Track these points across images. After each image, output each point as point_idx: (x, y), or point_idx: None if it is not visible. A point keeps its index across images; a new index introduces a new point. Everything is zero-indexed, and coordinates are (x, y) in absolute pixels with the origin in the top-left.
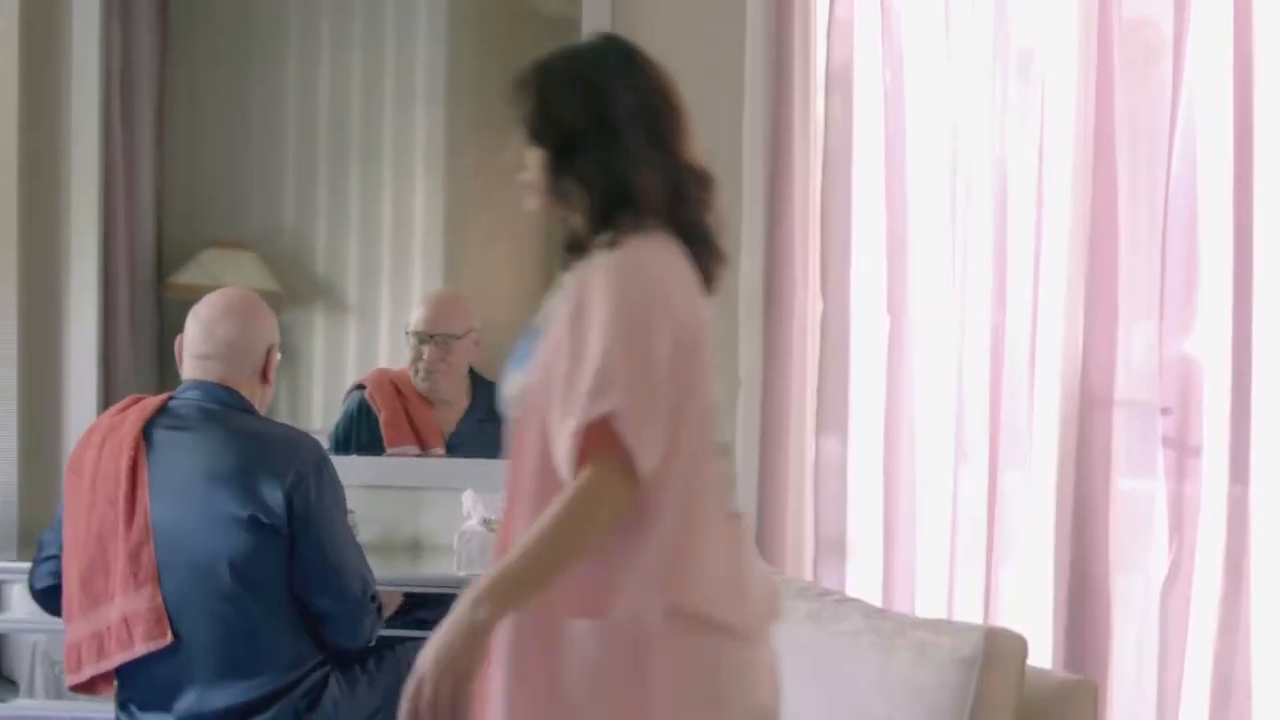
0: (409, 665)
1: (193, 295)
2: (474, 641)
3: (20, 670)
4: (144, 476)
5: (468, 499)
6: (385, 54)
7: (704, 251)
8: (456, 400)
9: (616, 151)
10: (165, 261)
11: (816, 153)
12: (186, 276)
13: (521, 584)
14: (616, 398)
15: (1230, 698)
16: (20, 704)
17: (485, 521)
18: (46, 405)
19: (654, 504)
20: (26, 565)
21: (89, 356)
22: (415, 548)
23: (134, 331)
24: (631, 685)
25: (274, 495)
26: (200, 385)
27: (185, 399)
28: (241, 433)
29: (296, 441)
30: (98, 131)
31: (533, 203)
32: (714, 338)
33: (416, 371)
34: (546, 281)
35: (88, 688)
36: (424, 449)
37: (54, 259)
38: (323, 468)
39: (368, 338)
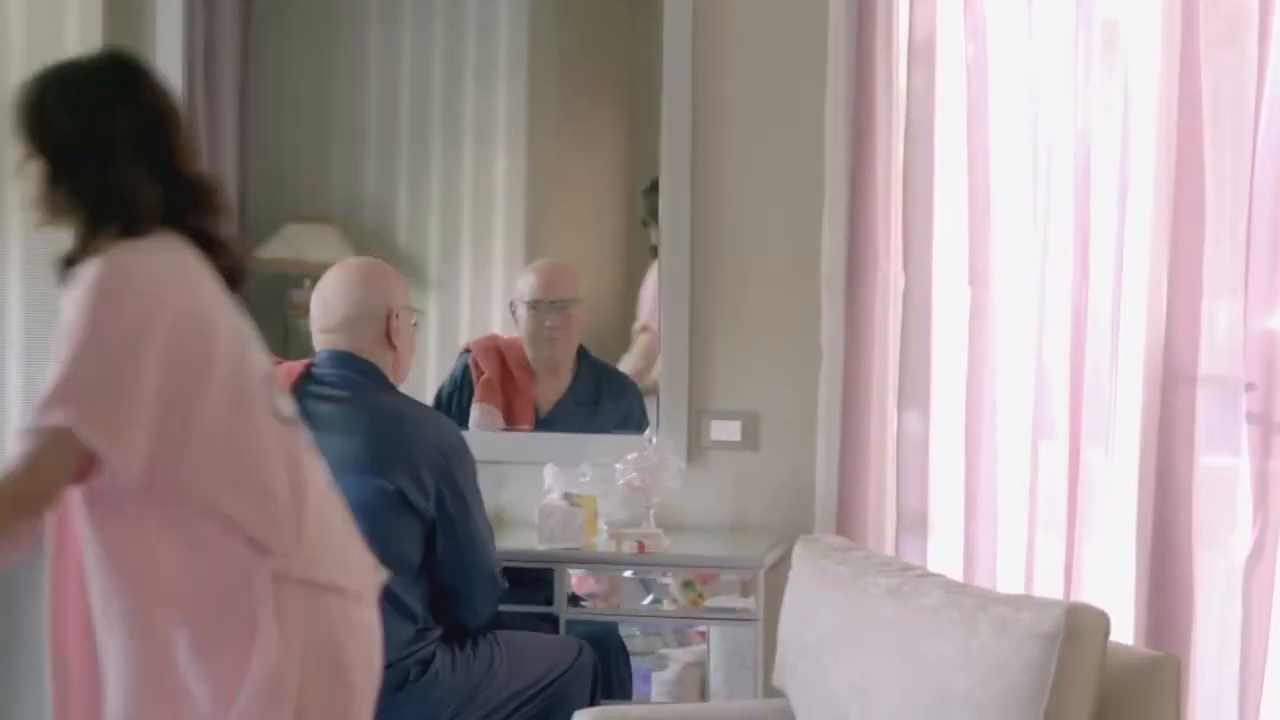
0: (502, 653)
1: (275, 269)
2: None
3: None
4: None
5: (549, 473)
6: (467, 27)
7: (220, 254)
8: (563, 372)
9: (111, 167)
10: (247, 236)
11: (899, 126)
12: (269, 251)
13: None
14: (70, 409)
15: None
16: None
17: (567, 496)
18: None
19: (177, 489)
20: None
21: None
22: (497, 522)
23: None
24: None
25: (422, 480)
26: (335, 355)
27: (325, 369)
28: (387, 413)
29: (440, 421)
30: (181, 107)
31: (34, 216)
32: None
33: (537, 339)
34: (629, 253)
35: None
36: (511, 421)
37: None
38: (465, 454)
39: (449, 310)
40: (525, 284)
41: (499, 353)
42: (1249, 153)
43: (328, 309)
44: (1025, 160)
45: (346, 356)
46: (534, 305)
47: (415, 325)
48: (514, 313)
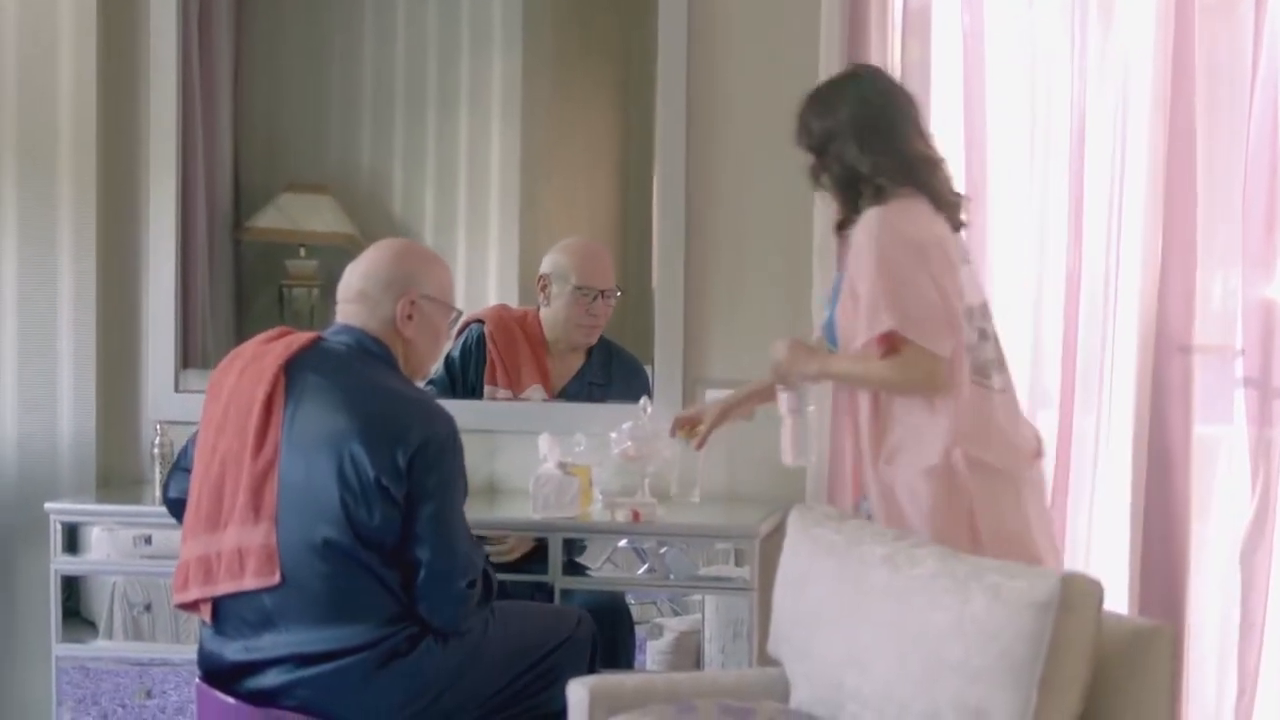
0: (498, 625)
1: (270, 239)
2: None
3: (99, 612)
4: (279, 414)
5: (544, 442)
6: None
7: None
8: (580, 351)
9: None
10: (243, 205)
11: None
12: (264, 220)
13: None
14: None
15: None
16: (99, 645)
17: (561, 465)
18: (125, 351)
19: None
20: (107, 508)
21: (167, 300)
22: (491, 491)
23: (212, 275)
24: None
25: (399, 458)
26: (349, 329)
27: (334, 341)
28: (380, 389)
29: (433, 411)
30: (175, 76)
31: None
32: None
33: (577, 323)
34: (621, 227)
35: (191, 606)
36: (517, 396)
37: (132, 203)
38: (451, 448)
39: None
40: (569, 265)
41: (515, 326)
42: (1245, 122)
43: (348, 281)
44: (1021, 130)
45: (356, 331)
46: (583, 291)
47: (450, 325)
48: (544, 288)
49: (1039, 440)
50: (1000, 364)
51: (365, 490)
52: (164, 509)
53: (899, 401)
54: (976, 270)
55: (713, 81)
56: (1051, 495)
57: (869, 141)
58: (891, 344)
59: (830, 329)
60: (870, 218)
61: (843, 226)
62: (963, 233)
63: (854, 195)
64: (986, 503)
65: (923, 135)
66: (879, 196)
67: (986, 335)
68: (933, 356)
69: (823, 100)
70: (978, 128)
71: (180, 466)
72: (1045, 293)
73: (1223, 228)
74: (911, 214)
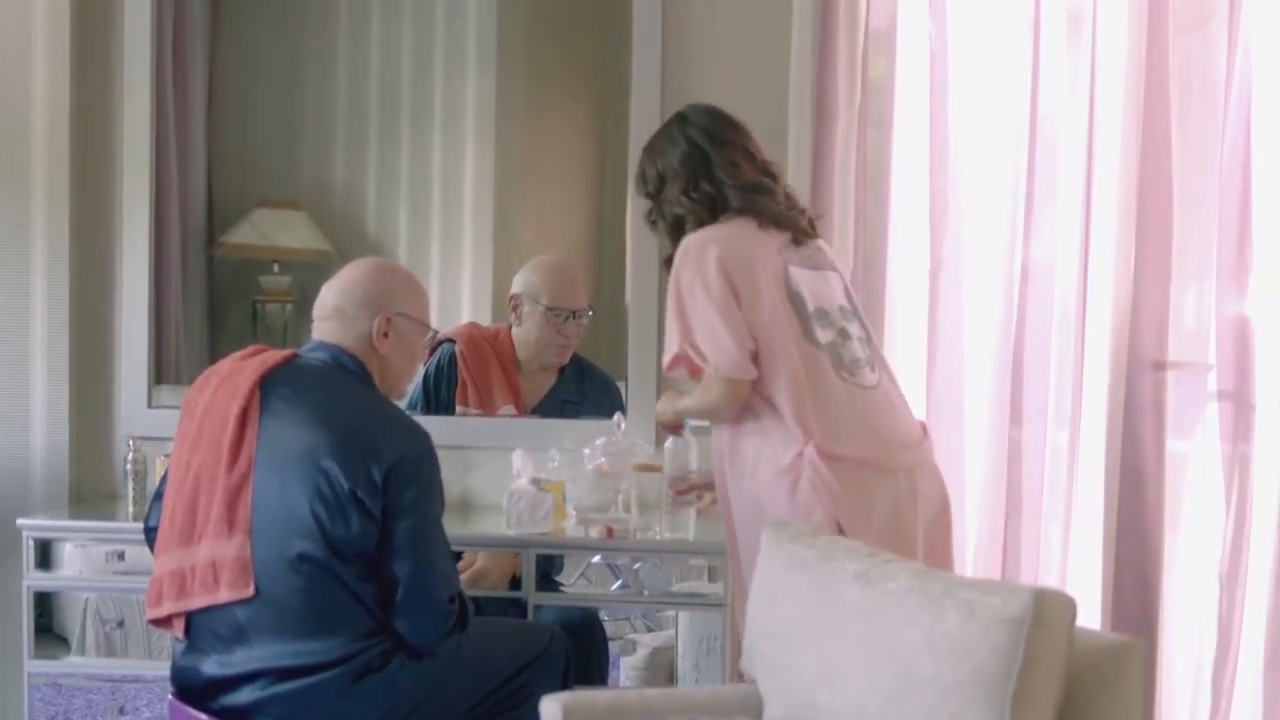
0: (470, 642)
1: (243, 255)
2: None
3: (72, 628)
4: (253, 429)
5: (518, 458)
6: (436, 17)
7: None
8: (552, 370)
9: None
10: (216, 221)
11: (866, 112)
12: (238, 236)
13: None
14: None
15: None
16: (72, 661)
17: (535, 481)
18: (98, 366)
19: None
20: (79, 524)
21: (140, 316)
22: (465, 507)
23: (185, 291)
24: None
25: (375, 472)
26: (325, 346)
27: (310, 357)
28: (355, 404)
29: (408, 426)
30: (149, 92)
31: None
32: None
33: (549, 344)
34: (595, 243)
35: (164, 622)
36: (489, 413)
37: (106, 218)
38: (427, 464)
39: None
40: (541, 286)
41: (485, 345)
42: (1218, 138)
43: (324, 299)
44: (991, 146)
45: (332, 348)
46: (554, 312)
47: (426, 344)
48: (515, 308)
49: (916, 438)
50: (873, 362)
51: (341, 503)
52: (136, 525)
53: (745, 414)
54: (850, 275)
55: (686, 99)
56: (1024, 509)
57: (695, 180)
58: (698, 373)
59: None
60: (680, 249)
61: (668, 262)
62: (818, 242)
63: (678, 233)
64: (854, 497)
65: (753, 160)
66: (699, 227)
67: (849, 335)
68: (725, 380)
69: (654, 147)
70: (943, 144)
71: (160, 495)
72: (1016, 308)
73: (1196, 243)
74: (717, 237)
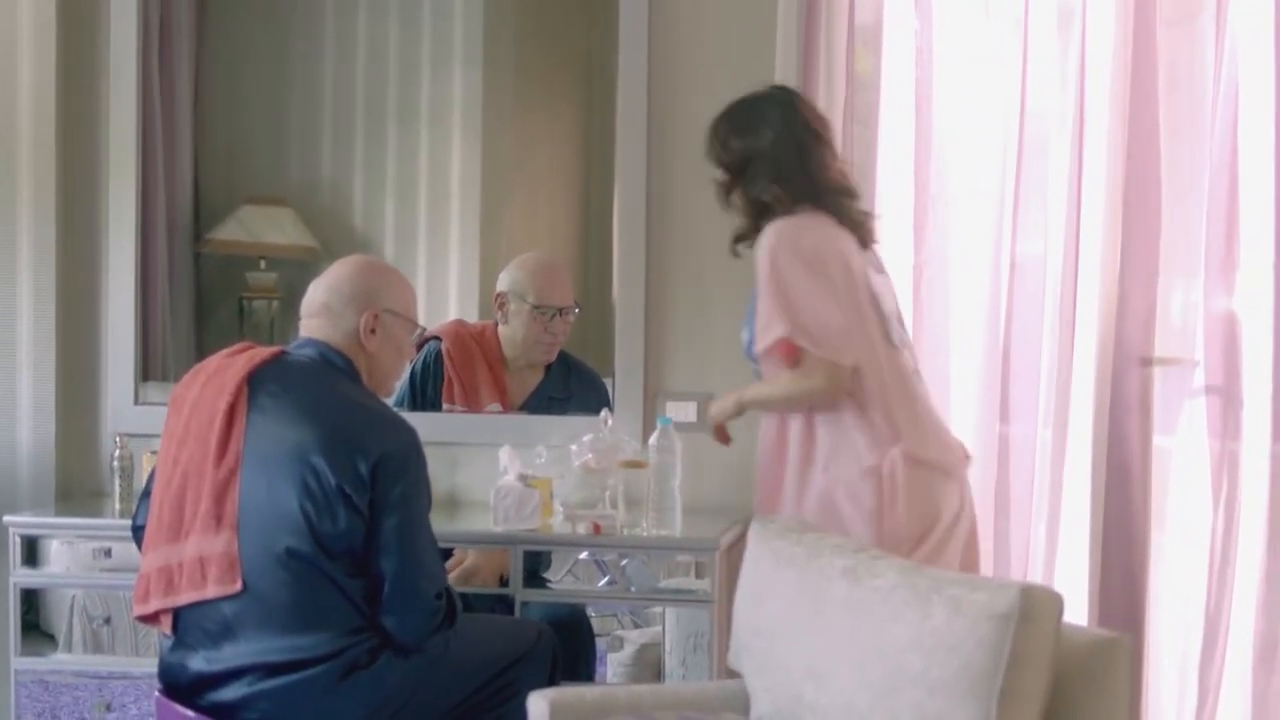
0: (457, 639)
1: (230, 251)
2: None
3: (59, 625)
4: (240, 425)
5: (504, 454)
6: (422, 13)
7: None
8: (539, 367)
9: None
10: (203, 217)
11: (851, 109)
12: (224, 232)
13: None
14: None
15: (1275, 657)
16: (58, 659)
17: (522, 477)
18: (85, 363)
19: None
20: (66, 520)
21: (127, 313)
22: (452, 503)
23: (172, 287)
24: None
25: (362, 467)
26: (313, 343)
27: (298, 354)
28: (342, 401)
29: (395, 423)
30: (136, 88)
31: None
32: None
33: (535, 341)
34: (582, 240)
35: (151, 619)
36: (475, 410)
37: (92, 216)
38: (415, 460)
39: None
40: (527, 284)
41: (471, 343)
42: (1206, 134)
43: (312, 295)
44: (977, 143)
45: (319, 344)
46: (540, 310)
47: (414, 340)
48: (501, 306)
49: (964, 448)
50: (918, 372)
51: (328, 498)
52: (123, 521)
53: (825, 407)
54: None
55: (673, 97)
56: (1011, 506)
57: (787, 169)
58: (794, 357)
59: (750, 350)
60: (767, 232)
61: (740, 240)
62: (876, 247)
63: (761, 217)
64: (926, 500)
65: (836, 160)
66: (783, 215)
67: (907, 341)
68: (830, 364)
69: (744, 119)
70: (929, 140)
71: (147, 493)
72: (1003, 305)
73: (1183, 239)
74: (809, 226)
